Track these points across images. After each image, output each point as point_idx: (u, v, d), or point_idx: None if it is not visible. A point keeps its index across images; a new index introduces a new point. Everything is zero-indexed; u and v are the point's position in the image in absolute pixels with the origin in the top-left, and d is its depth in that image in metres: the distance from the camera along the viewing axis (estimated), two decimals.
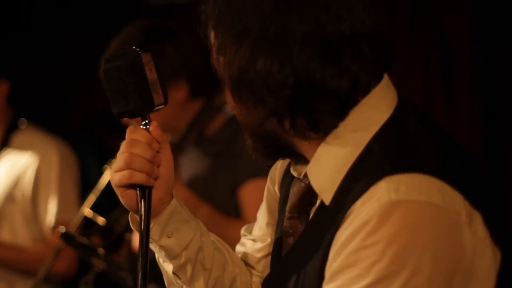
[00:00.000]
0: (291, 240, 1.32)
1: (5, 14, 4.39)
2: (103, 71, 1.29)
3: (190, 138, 2.36)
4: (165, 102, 1.32)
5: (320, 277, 1.18)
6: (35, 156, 2.88)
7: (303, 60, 1.18)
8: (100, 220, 2.46)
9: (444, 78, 2.93)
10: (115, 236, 2.39)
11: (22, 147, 2.93)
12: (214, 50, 1.24)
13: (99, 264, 2.41)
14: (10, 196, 2.87)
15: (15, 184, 2.88)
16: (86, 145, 4.31)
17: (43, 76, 4.77)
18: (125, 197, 1.32)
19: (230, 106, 1.29)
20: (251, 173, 2.20)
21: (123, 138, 1.31)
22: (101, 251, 2.35)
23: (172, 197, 1.36)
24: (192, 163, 2.35)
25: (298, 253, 1.27)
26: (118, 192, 1.32)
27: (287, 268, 1.29)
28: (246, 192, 2.23)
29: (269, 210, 1.45)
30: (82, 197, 2.94)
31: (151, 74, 1.29)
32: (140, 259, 1.25)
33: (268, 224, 1.45)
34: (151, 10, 4.19)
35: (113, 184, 1.33)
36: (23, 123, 3.00)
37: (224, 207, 2.28)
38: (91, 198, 2.58)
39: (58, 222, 2.81)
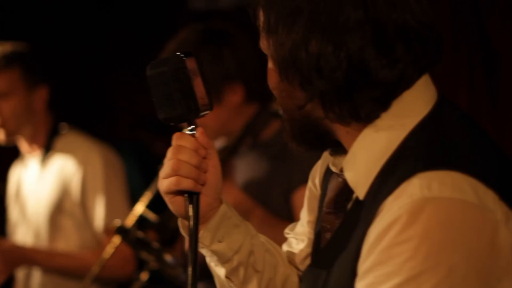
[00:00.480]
0: (328, 236, 1.33)
1: (48, 19, 4.45)
2: (148, 77, 1.30)
3: (245, 142, 2.38)
4: (211, 108, 1.33)
5: (353, 273, 1.18)
6: (79, 162, 2.89)
7: (358, 46, 1.18)
8: (154, 218, 2.48)
9: (489, 83, 2.90)
10: (170, 232, 2.42)
11: (66, 153, 2.92)
12: (263, 30, 1.25)
13: (153, 261, 2.43)
14: (60, 206, 2.88)
15: (63, 193, 2.88)
16: (129, 150, 4.35)
17: (87, 81, 4.82)
18: (174, 204, 1.33)
19: (272, 85, 1.29)
20: (305, 178, 2.21)
21: (169, 142, 1.33)
22: (155, 245, 2.37)
23: (221, 203, 1.37)
24: (247, 167, 2.37)
25: (333, 248, 1.28)
26: (167, 198, 1.34)
27: (323, 262, 1.30)
28: (300, 197, 2.23)
29: (310, 208, 1.46)
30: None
31: (196, 79, 1.29)
32: (190, 266, 1.27)
33: (308, 222, 1.45)
34: (193, 15, 4.22)
35: (161, 191, 1.34)
36: (64, 127, 3.01)
37: (277, 211, 2.29)
38: (146, 197, 2.60)
39: (108, 225, 2.83)
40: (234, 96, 2.33)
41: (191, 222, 1.29)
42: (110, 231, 2.77)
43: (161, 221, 2.43)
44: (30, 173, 3.00)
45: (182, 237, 2.45)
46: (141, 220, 2.56)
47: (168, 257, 2.39)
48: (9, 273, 2.86)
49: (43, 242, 2.92)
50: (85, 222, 2.88)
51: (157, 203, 2.50)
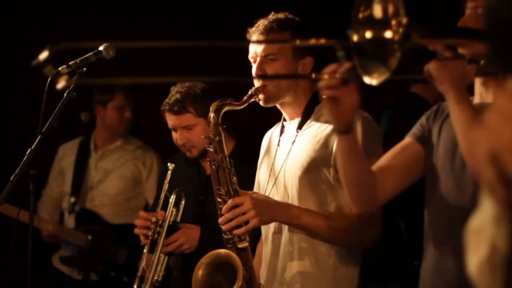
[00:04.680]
0: None
1: None
2: None
3: None
4: None
5: None
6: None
7: None
8: None
9: None
10: None
11: (323, 119, 2.92)
12: None
13: None
14: (315, 167, 2.87)
15: (318, 155, 2.88)
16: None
17: None
18: None
19: None
20: None
21: None
22: None
23: None
24: None
25: None
26: None
27: None
28: None
29: None
30: None
31: None
32: None
33: None
34: None
35: None
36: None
37: None
38: None
39: None
40: None
41: None
42: None
43: None
44: (286, 137, 3.04)
45: None
46: None
47: None
48: (265, 222, 2.87)
49: (293, 201, 2.90)
50: (337, 184, 2.81)
51: None
